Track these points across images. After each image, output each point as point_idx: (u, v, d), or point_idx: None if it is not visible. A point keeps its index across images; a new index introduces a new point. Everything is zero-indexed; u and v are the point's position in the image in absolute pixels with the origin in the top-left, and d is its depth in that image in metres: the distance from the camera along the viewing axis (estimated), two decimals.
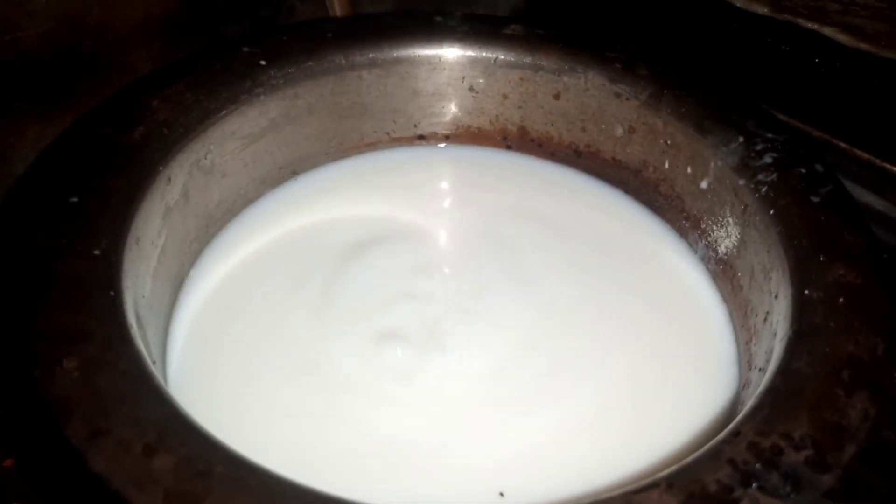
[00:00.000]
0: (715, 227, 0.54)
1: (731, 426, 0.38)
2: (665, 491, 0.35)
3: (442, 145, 0.63)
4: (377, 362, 0.49)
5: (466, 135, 0.63)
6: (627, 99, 0.57)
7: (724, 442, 0.37)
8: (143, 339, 0.43)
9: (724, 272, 0.53)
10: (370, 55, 0.58)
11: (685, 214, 0.56)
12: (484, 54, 0.59)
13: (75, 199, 0.46)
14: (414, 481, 0.44)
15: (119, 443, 0.36)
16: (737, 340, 0.51)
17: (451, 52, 0.59)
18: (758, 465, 0.36)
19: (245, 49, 0.56)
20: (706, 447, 0.37)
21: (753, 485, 0.35)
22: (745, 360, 0.49)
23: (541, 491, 0.43)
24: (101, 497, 0.35)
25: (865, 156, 0.66)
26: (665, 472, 0.36)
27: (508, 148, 0.63)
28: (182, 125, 0.51)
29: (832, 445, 0.36)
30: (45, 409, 0.37)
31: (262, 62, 0.56)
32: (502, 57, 0.59)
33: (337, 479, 0.41)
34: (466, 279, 0.54)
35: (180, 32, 0.72)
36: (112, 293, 0.42)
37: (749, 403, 0.39)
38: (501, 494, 0.43)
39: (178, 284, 0.53)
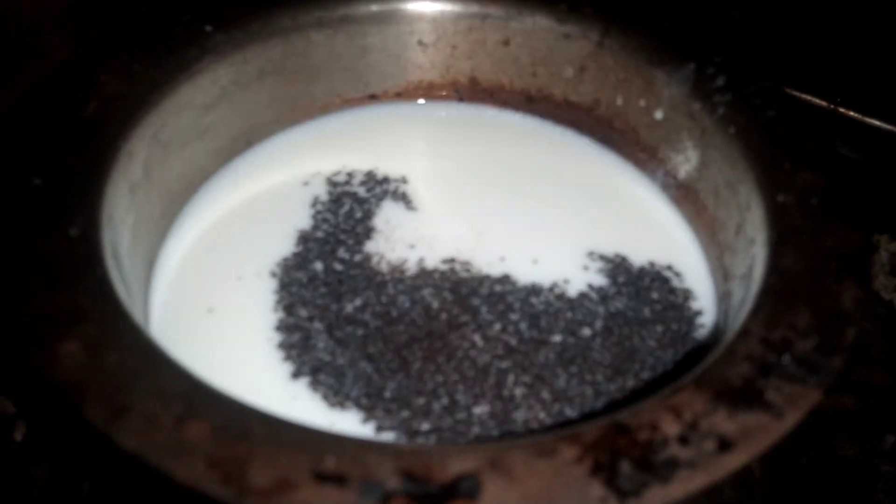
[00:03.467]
0: (673, 154, 0.56)
1: (738, 326, 0.40)
2: (694, 391, 0.37)
3: (394, 103, 0.63)
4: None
5: (418, 90, 0.63)
6: (576, 39, 0.58)
7: (736, 341, 0.39)
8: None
9: (686, 195, 0.56)
10: (317, 14, 0.57)
11: (641, 146, 0.58)
12: (431, 6, 0.59)
13: (38, 181, 0.43)
14: None
15: (146, 418, 0.34)
16: (707, 256, 0.54)
17: (398, 7, 0.59)
18: (773, 357, 0.38)
19: (186, 16, 0.54)
20: (721, 348, 0.39)
21: (773, 374, 0.37)
22: (719, 274, 0.52)
23: None
24: (138, 474, 0.33)
25: None
26: (689, 376, 0.38)
27: (460, 100, 0.63)
28: (136, 98, 0.49)
29: (834, 330, 0.39)
30: (54, 394, 0.35)
31: (207, 28, 0.54)
32: (449, 8, 0.59)
33: None
34: (443, 231, 0.55)
35: (94, 15, 0.69)
36: (99, 271, 0.40)
37: (749, 304, 0.42)
38: None
39: (150, 262, 0.50)
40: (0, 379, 0.43)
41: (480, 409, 0.45)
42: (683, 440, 0.35)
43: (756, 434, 0.35)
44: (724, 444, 0.35)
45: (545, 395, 0.46)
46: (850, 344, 0.39)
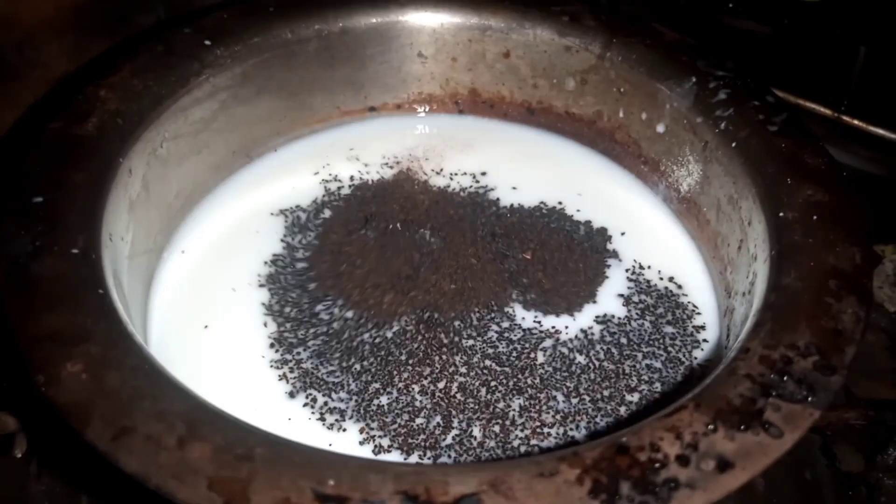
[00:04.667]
0: (675, 168, 0.56)
1: (738, 344, 0.40)
2: (694, 410, 0.37)
3: (394, 115, 0.63)
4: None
5: (417, 102, 0.63)
6: (578, 51, 0.58)
7: (736, 359, 0.39)
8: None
9: (688, 209, 0.56)
10: (316, 27, 0.57)
11: (643, 159, 0.58)
12: (431, 18, 0.59)
13: (39, 199, 0.43)
14: None
15: (148, 439, 0.34)
16: (709, 272, 0.54)
17: (398, 19, 0.59)
18: (773, 376, 0.38)
19: (186, 30, 0.54)
20: (721, 367, 0.39)
21: (773, 394, 0.37)
22: (721, 289, 0.52)
23: None
24: (141, 496, 0.33)
25: None
26: (689, 394, 0.38)
27: (460, 112, 0.63)
28: (135, 113, 0.49)
29: (834, 349, 0.39)
30: (57, 415, 0.35)
31: (207, 42, 0.54)
32: (449, 20, 0.59)
33: None
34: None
35: (93, 25, 0.68)
36: (101, 291, 0.40)
37: (749, 321, 0.42)
38: None
39: (148, 279, 0.50)
40: (4, 396, 0.43)
41: (478, 430, 0.45)
42: (683, 460, 0.35)
43: (755, 454, 0.35)
44: (724, 465, 0.35)
45: (545, 415, 0.46)
46: (850, 363, 0.39)
